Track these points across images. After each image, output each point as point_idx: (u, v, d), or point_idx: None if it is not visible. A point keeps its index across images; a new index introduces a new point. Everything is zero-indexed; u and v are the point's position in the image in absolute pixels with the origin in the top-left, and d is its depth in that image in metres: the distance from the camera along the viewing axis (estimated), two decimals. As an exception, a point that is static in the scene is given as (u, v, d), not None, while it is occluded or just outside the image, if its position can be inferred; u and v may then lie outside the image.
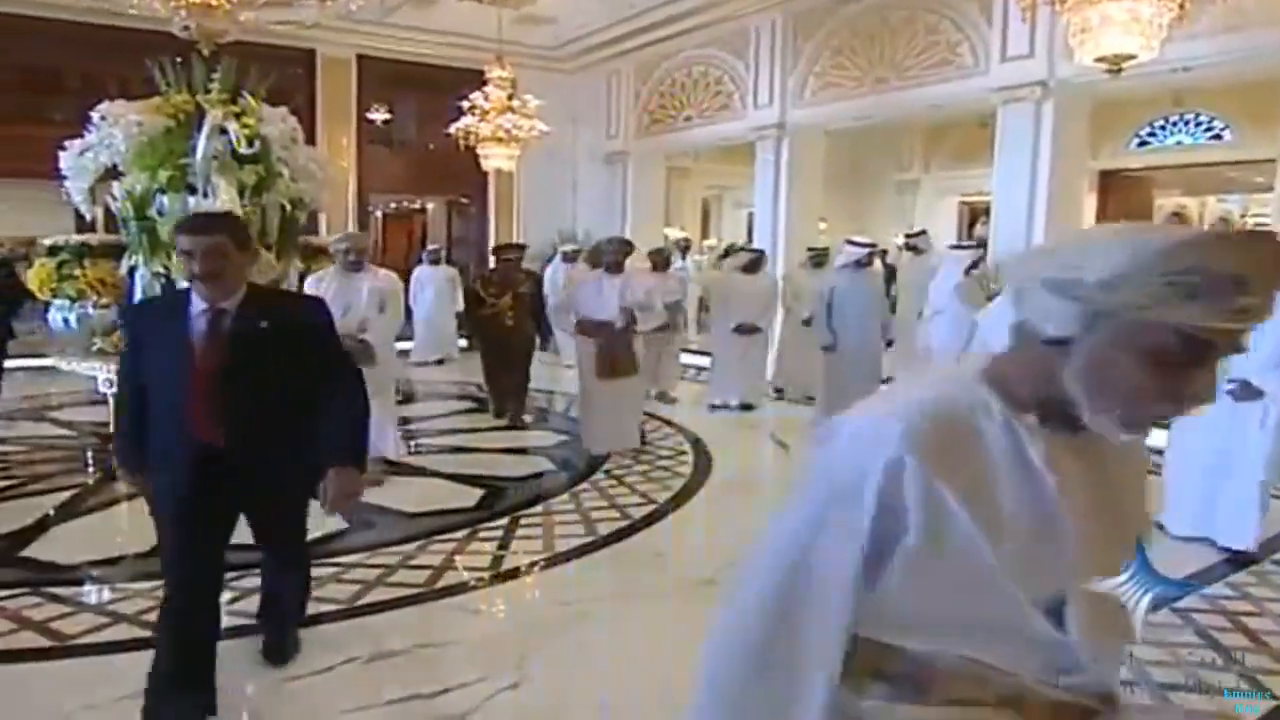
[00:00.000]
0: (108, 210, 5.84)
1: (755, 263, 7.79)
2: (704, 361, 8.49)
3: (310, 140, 7.59)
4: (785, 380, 8.30)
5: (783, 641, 1.07)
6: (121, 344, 3.17)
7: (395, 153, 12.44)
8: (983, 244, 7.89)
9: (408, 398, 7.97)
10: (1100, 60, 5.35)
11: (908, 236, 9.08)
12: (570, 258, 10.09)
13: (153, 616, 3.33)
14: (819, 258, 8.19)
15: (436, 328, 10.76)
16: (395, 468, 5.53)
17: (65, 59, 9.93)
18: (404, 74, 11.77)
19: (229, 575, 3.71)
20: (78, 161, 5.63)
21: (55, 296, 5.61)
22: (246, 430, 2.54)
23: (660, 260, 8.08)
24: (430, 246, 11.86)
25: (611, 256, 6.11)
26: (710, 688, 1.14)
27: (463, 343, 10.40)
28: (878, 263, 7.66)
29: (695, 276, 11.62)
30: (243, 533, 3.90)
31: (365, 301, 5.12)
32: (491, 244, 10.88)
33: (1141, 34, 5.21)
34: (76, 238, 5.90)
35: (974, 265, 6.51)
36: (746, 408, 7.59)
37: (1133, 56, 5.29)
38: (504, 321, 6.95)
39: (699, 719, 1.14)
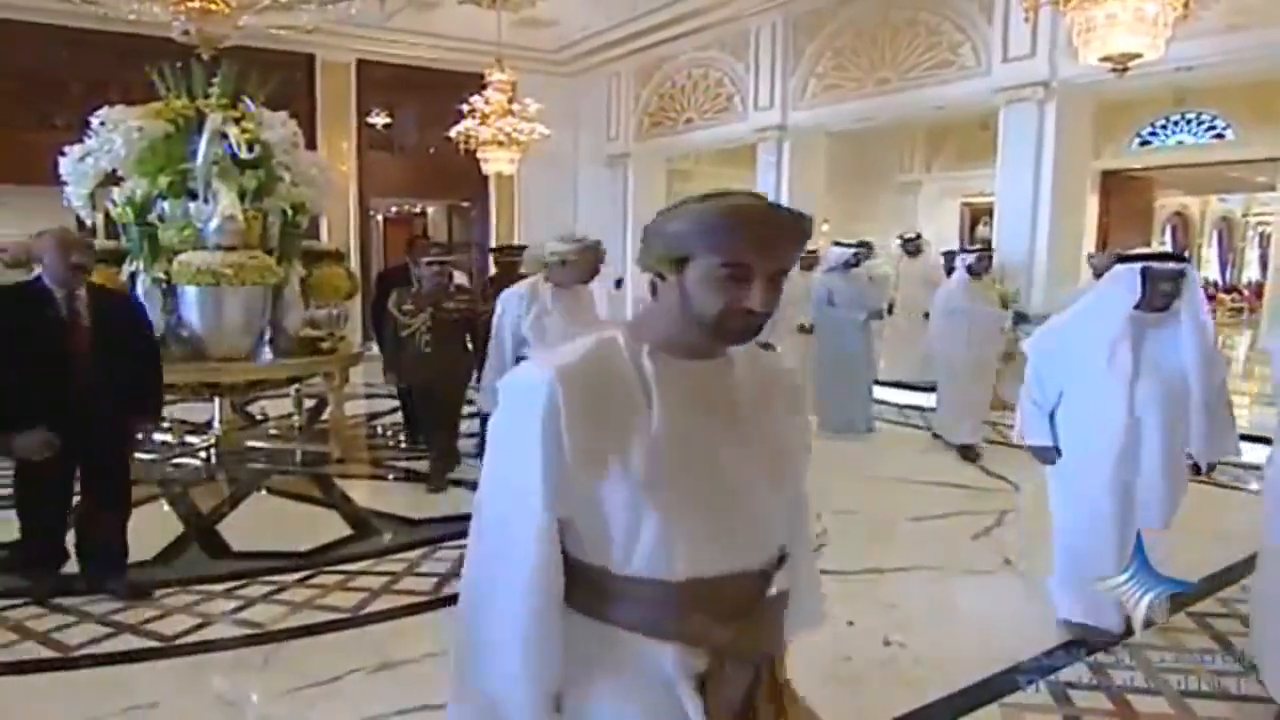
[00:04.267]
0: (108, 215, 5.82)
1: None
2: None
3: (310, 145, 7.57)
4: None
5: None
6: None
7: (396, 157, 12.40)
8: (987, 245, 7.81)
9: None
10: (1106, 60, 5.33)
11: (904, 239, 8.99)
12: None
13: (157, 626, 3.32)
14: (807, 259, 7.75)
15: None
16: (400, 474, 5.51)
17: (67, 65, 9.90)
18: (404, 78, 11.74)
19: (233, 584, 3.72)
20: (78, 167, 5.62)
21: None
22: None
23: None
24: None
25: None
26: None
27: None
28: (868, 264, 7.52)
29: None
30: (254, 539, 3.88)
31: None
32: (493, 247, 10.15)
33: (1147, 33, 5.19)
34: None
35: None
36: None
37: (1138, 55, 5.26)
38: (420, 348, 5.23)
39: None
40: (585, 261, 4.24)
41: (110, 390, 3.41)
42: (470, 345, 5.49)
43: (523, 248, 7.02)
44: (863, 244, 8.56)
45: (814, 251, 8.03)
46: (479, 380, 5.88)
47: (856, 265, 6.89)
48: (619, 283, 10.11)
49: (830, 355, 6.75)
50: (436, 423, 5.50)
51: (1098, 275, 5.91)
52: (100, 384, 3.38)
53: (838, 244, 6.96)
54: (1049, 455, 3.33)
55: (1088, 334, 3.17)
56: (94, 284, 3.64)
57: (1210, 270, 21.04)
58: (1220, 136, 11.41)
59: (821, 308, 6.79)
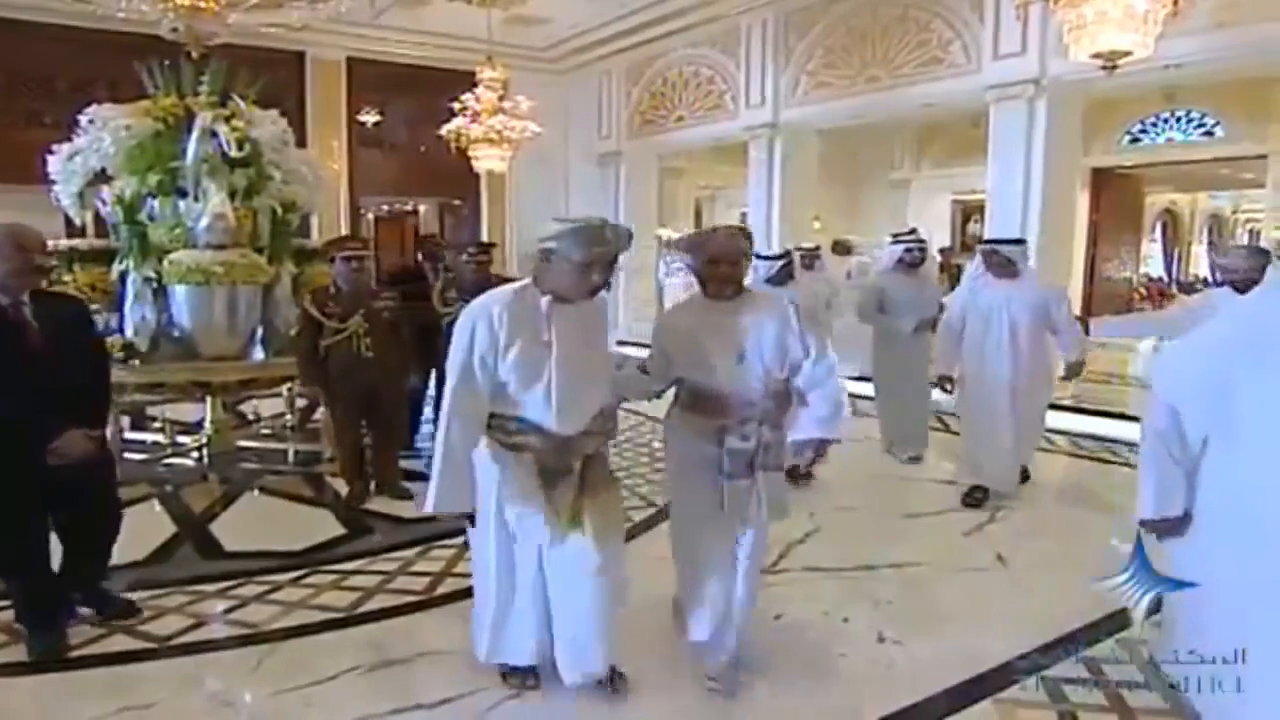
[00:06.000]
0: (98, 214, 5.79)
1: (786, 269, 5.69)
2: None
3: (301, 143, 7.53)
4: None
5: None
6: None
7: (387, 155, 12.35)
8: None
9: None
10: (1096, 57, 5.35)
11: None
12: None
13: (150, 627, 3.31)
14: (809, 259, 7.23)
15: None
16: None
17: (55, 62, 9.81)
18: (394, 76, 11.69)
19: (227, 584, 3.70)
20: (66, 166, 5.58)
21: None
22: None
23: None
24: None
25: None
26: None
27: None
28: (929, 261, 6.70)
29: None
30: (247, 539, 3.85)
31: None
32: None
33: (1137, 30, 5.22)
34: (65, 242, 5.82)
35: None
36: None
37: (1128, 53, 5.29)
38: (359, 352, 4.83)
39: None
40: (590, 247, 2.61)
41: (67, 408, 3.03)
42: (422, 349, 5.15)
43: (492, 245, 6.56)
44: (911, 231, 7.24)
45: (815, 249, 7.74)
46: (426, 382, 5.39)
47: (919, 265, 6.08)
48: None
49: (880, 369, 6.23)
50: (389, 426, 5.21)
51: (1227, 276, 4.44)
52: (56, 402, 2.99)
53: (896, 239, 6.30)
54: (1181, 528, 2.46)
55: (1249, 360, 2.20)
56: (40, 290, 3.16)
57: (1201, 267, 21.17)
58: (1210, 134, 11.47)
59: (870, 314, 6.11)
